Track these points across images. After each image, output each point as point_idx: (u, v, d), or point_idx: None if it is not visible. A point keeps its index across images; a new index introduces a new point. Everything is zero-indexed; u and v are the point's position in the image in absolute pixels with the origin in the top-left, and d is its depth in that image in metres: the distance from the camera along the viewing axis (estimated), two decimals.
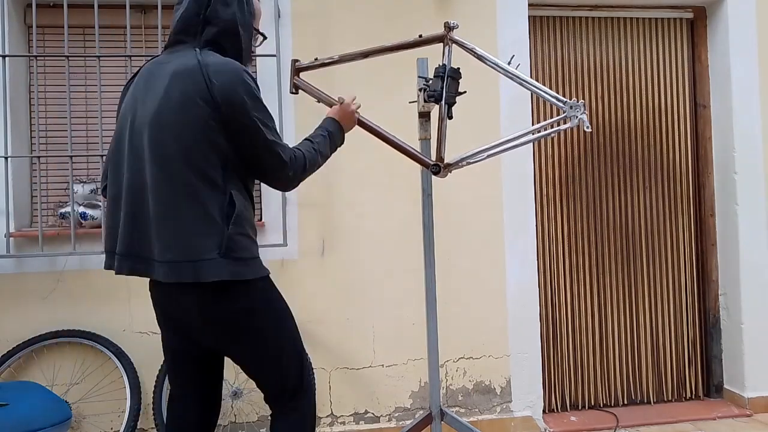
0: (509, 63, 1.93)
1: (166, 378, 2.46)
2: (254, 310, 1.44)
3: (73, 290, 2.49)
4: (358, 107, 1.81)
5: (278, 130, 2.55)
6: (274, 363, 1.49)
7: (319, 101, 1.99)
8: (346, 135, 1.76)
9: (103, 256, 1.49)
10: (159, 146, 1.35)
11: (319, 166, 1.60)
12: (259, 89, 1.42)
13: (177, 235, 1.34)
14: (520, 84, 1.94)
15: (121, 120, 1.46)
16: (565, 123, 1.90)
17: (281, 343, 1.50)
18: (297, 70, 2.05)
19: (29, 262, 2.46)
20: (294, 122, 2.62)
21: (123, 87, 1.57)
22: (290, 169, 1.47)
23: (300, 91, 2.04)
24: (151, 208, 1.36)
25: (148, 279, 1.47)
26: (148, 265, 1.38)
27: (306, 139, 1.62)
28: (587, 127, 1.84)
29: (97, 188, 2.59)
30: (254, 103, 1.39)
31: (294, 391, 1.52)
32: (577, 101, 1.87)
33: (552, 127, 1.95)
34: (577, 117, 1.86)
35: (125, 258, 1.40)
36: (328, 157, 1.64)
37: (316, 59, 2.05)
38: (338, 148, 1.72)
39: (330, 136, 1.66)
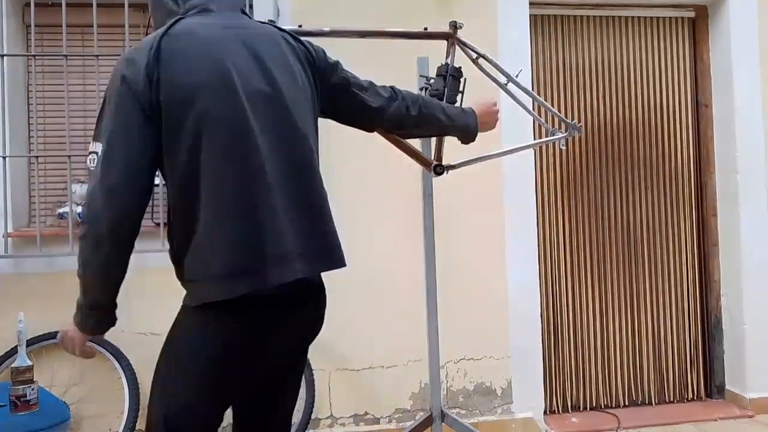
0: (516, 76, 1.96)
1: None
2: None
3: (71, 291, 2.45)
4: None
5: None
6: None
7: None
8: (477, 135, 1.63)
9: None
10: (288, 125, 1.18)
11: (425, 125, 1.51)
12: None
13: (323, 222, 1.22)
14: (514, 99, 2.06)
15: (215, 90, 1.10)
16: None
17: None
18: None
19: (27, 262, 2.45)
20: None
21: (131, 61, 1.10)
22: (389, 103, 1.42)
23: None
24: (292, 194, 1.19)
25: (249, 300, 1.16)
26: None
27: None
28: (562, 146, 2.23)
29: None
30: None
31: None
32: (577, 123, 2.18)
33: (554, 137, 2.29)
34: (563, 135, 2.18)
35: (303, 257, 1.17)
36: (436, 124, 1.53)
37: (299, 26, 1.85)
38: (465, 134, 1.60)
39: (453, 119, 1.55)
